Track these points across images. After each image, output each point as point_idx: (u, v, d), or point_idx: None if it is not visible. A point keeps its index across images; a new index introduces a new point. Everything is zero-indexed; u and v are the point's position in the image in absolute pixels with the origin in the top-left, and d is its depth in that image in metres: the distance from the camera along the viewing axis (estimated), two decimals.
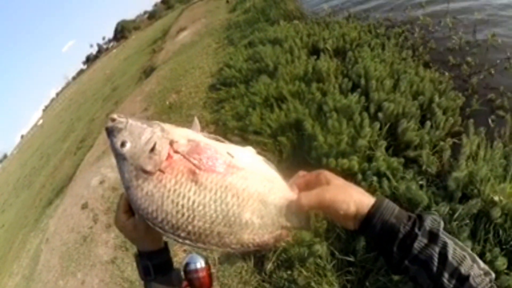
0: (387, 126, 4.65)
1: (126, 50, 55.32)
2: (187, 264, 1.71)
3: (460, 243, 0.85)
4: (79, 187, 10.77)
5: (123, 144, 0.97)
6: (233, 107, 7.73)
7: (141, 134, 0.98)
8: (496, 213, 3.08)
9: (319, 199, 0.93)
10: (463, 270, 0.80)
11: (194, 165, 0.95)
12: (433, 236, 0.84)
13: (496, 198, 3.19)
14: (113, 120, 1.01)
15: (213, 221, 0.93)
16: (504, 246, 3.04)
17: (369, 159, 4.25)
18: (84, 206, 9.01)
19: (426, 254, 0.83)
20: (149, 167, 0.95)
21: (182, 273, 1.66)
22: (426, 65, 6.28)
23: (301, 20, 11.01)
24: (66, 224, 9.13)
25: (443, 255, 0.81)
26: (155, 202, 0.94)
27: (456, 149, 4.07)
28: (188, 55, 16.07)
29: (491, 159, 3.68)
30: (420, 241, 0.84)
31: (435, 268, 0.81)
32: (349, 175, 3.96)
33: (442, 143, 4.29)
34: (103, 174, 9.86)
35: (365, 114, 4.73)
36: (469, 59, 6.16)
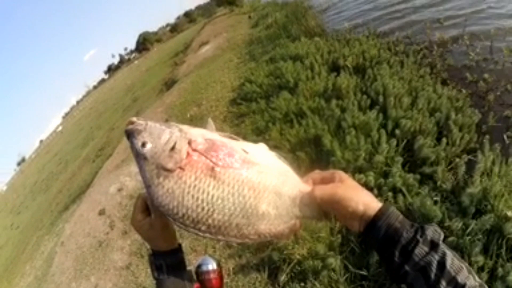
0: (404, 142, 4.68)
1: (147, 62, 55.79)
2: (199, 266, 1.74)
3: (457, 255, 0.88)
4: (97, 193, 10.94)
5: (143, 145, 1.03)
6: (253, 121, 7.80)
7: (161, 134, 1.04)
8: (509, 228, 3.07)
9: (331, 193, 0.99)
10: (460, 279, 0.83)
11: (212, 161, 1.01)
12: (433, 245, 0.88)
13: (509, 214, 3.19)
14: (132, 122, 1.07)
15: (231, 213, 0.99)
16: None
17: (386, 174, 4.28)
18: (101, 212, 9.18)
19: (425, 261, 0.86)
20: (170, 165, 1.00)
21: (194, 274, 1.69)
22: (444, 82, 6.29)
23: (322, 37, 11.04)
24: (82, 229, 9.28)
25: (441, 263, 0.85)
26: (176, 198, 1.00)
27: (471, 165, 4.05)
28: (210, 69, 16.15)
29: (506, 175, 3.67)
30: (421, 248, 0.87)
31: (433, 275, 0.85)
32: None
33: (457, 159, 4.28)
34: (122, 182, 10.00)
35: (382, 131, 4.77)
36: (486, 75, 6.15)
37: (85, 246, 8.34)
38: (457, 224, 3.26)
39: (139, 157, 1.04)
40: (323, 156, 5.05)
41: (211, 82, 13.76)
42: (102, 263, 7.29)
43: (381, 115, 5.27)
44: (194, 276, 1.67)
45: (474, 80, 6.26)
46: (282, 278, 4.11)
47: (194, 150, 1.02)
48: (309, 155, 5.30)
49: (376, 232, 0.94)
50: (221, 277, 1.76)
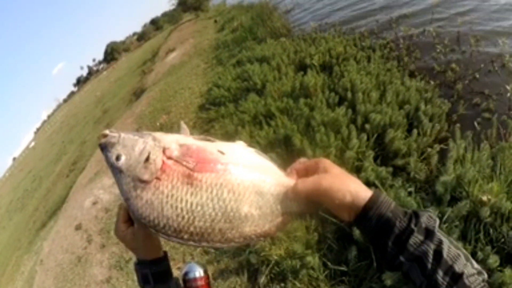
0: (375, 136, 4.71)
1: (116, 72, 55.85)
2: (186, 273, 1.63)
3: (454, 242, 0.85)
4: (72, 208, 10.88)
5: (118, 158, 0.99)
6: (223, 126, 7.75)
7: (134, 145, 1.00)
8: (485, 212, 3.10)
9: (315, 186, 0.93)
10: (457, 268, 0.80)
11: (188, 168, 0.97)
12: (429, 233, 0.84)
13: (484, 198, 3.22)
14: (105, 135, 1.03)
15: (213, 219, 0.95)
16: (495, 244, 3.06)
17: (358, 169, 4.26)
18: (78, 227, 9.11)
19: (421, 250, 0.83)
20: (145, 177, 0.97)
21: (181, 282, 1.60)
22: (412, 75, 6.36)
23: (288, 37, 11.19)
24: (60, 245, 9.18)
25: (438, 252, 0.82)
26: (155, 209, 0.96)
27: (444, 154, 4.11)
28: (178, 76, 16.25)
29: (478, 161, 3.71)
30: (416, 237, 0.84)
31: (429, 265, 0.82)
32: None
33: (429, 149, 4.34)
34: (96, 195, 9.96)
35: (352, 127, 4.78)
36: (453, 65, 6.26)
37: (65, 263, 8.26)
38: (433, 212, 3.21)
39: (115, 171, 1.01)
40: (294, 155, 4.99)
41: (179, 89, 13.83)
42: (82, 279, 7.22)
43: (350, 111, 5.29)
44: (182, 284, 1.57)
45: (442, 70, 6.37)
46: (262, 280, 4.10)
47: (169, 157, 0.99)
48: (280, 155, 5.26)
49: (367, 223, 0.89)
50: (208, 284, 1.66)
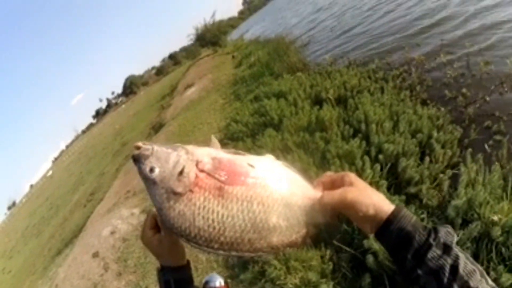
0: (388, 166, 4.75)
1: (135, 106, 56.05)
2: (206, 282, 1.79)
3: (470, 258, 0.88)
4: (90, 236, 10.96)
5: (151, 170, 1.03)
6: None
7: (168, 158, 1.04)
8: (496, 232, 3.12)
9: (341, 198, 0.98)
10: (472, 283, 0.83)
11: (220, 180, 1.02)
12: (446, 248, 0.87)
13: (495, 218, 3.25)
14: (139, 147, 1.07)
15: (242, 230, 0.99)
16: (507, 263, 3.09)
17: None
18: (95, 255, 9.16)
19: (438, 265, 0.86)
20: (179, 189, 1.01)
21: None
22: (424, 103, 6.41)
23: (304, 72, 11.24)
24: (77, 271, 9.24)
25: (454, 267, 0.84)
26: (187, 219, 1.01)
27: (456, 179, 4.13)
28: (196, 111, 16.33)
29: (489, 183, 3.73)
30: (434, 252, 0.87)
31: (445, 279, 0.84)
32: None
33: (441, 175, 4.35)
34: (114, 225, 10.05)
35: (366, 158, 4.83)
36: (464, 90, 6.34)
37: None
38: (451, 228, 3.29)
39: (148, 182, 1.05)
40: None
41: (198, 124, 13.93)
42: None
43: (364, 142, 5.34)
44: None
45: (453, 96, 6.45)
46: None
47: (202, 170, 1.04)
48: None
49: (387, 235, 0.95)
50: None
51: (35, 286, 11.85)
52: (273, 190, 1.03)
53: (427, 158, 4.65)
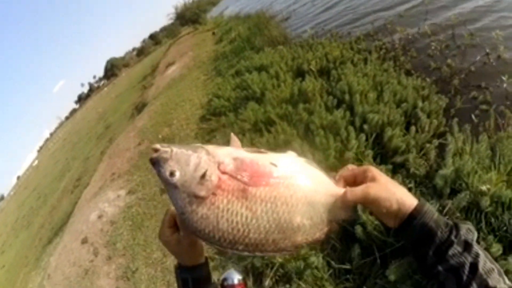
0: (373, 136, 4.73)
1: (117, 88, 55.93)
2: (224, 279, 1.72)
3: (489, 256, 0.89)
4: (78, 223, 10.93)
5: (172, 174, 1.00)
6: (224, 135, 7.84)
7: (188, 161, 1.01)
8: (485, 202, 3.12)
9: (364, 195, 0.97)
10: (490, 282, 0.83)
11: (243, 182, 0.99)
12: (467, 246, 0.88)
13: (484, 188, 3.23)
14: (157, 150, 1.03)
15: (267, 231, 0.97)
16: (497, 233, 3.06)
17: None
18: (84, 241, 9.18)
19: (458, 262, 0.86)
20: (202, 193, 0.98)
21: (219, 287, 1.68)
22: (408, 73, 6.35)
23: (285, 45, 11.19)
24: (67, 259, 9.23)
25: (474, 265, 0.85)
26: (211, 223, 0.98)
27: (443, 149, 4.11)
28: (178, 89, 16.36)
29: (477, 152, 3.73)
30: (455, 249, 0.87)
31: (465, 277, 0.84)
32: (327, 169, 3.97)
33: (428, 145, 4.35)
34: (101, 209, 10.06)
35: (350, 128, 4.81)
36: (449, 61, 6.28)
37: (72, 276, 8.29)
38: (433, 206, 3.20)
39: (169, 186, 1.02)
40: None
41: (180, 101, 13.93)
42: None
43: (348, 113, 5.32)
44: None
45: (437, 67, 6.36)
46: (267, 282, 4.11)
47: (224, 172, 1.00)
48: None
49: (410, 231, 0.94)
50: None
51: (29, 278, 11.76)
52: (297, 190, 1.01)
53: (412, 128, 4.63)
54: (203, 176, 0.98)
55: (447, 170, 3.54)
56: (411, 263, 3.04)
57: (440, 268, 0.88)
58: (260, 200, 0.98)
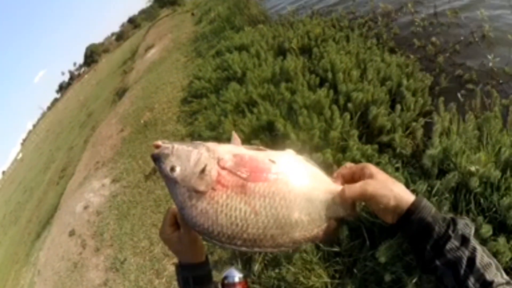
0: (358, 115, 4.70)
1: (97, 74, 55.70)
2: (225, 277, 1.71)
3: (487, 250, 0.89)
4: (64, 215, 10.88)
5: (172, 169, 1.01)
6: (206, 117, 7.81)
7: (189, 156, 1.03)
8: (474, 182, 3.11)
9: (361, 192, 0.97)
10: (488, 276, 0.83)
11: (242, 178, 1.00)
12: (464, 240, 0.88)
13: (472, 169, 3.23)
14: (158, 146, 1.05)
15: (265, 226, 0.98)
16: (487, 214, 3.07)
17: (343, 149, 4.26)
18: (72, 233, 9.14)
19: (456, 256, 0.87)
20: (201, 188, 1.00)
21: (220, 286, 1.66)
22: (392, 51, 6.36)
23: (265, 24, 11.13)
24: (56, 253, 9.20)
25: (471, 259, 0.85)
26: (210, 218, 0.99)
27: (429, 128, 4.13)
28: (158, 72, 16.24)
29: (464, 132, 3.72)
30: (452, 243, 0.88)
31: (462, 271, 0.85)
32: (324, 168, 3.93)
33: (414, 123, 4.34)
34: (87, 199, 10.01)
35: (334, 107, 4.78)
36: (433, 39, 6.26)
37: (61, 270, 8.29)
38: (422, 186, 3.26)
39: (169, 181, 1.04)
40: (279, 140, 5.00)
41: (160, 84, 13.84)
42: (80, 284, 7.26)
43: (331, 91, 5.27)
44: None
45: (422, 45, 6.37)
46: (256, 267, 4.14)
47: (223, 168, 1.02)
48: (264, 141, 5.24)
49: (408, 226, 0.95)
50: None
51: (20, 275, 11.67)
52: (295, 186, 1.02)
53: (398, 106, 4.61)
54: (202, 171, 1.00)
55: (435, 150, 3.51)
56: (400, 244, 3.03)
57: (437, 262, 0.89)
58: (259, 196, 0.99)
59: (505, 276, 0.85)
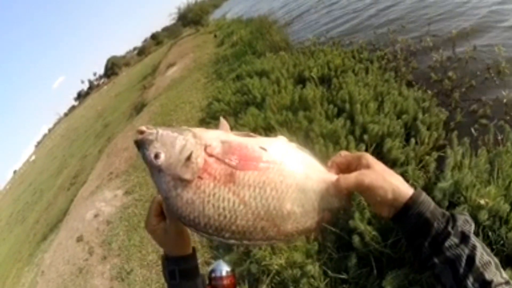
0: (373, 146, 4.73)
1: (117, 87, 55.82)
2: (212, 271, 1.70)
3: (486, 248, 0.86)
4: (73, 220, 10.97)
5: (157, 156, 0.96)
6: None
7: (174, 143, 0.98)
8: (483, 215, 3.09)
9: (358, 183, 0.92)
10: (487, 276, 0.81)
11: (230, 165, 0.95)
12: (464, 237, 0.85)
13: (482, 202, 3.21)
14: (142, 132, 1.00)
15: (255, 217, 0.94)
16: (494, 247, 3.06)
17: None
18: (79, 239, 9.20)
19: (455, 254, 0.84)
20: (187, 176, 0.95)
21: (207, 279, 1.65)
22: (409, 85, 6.36)
23: (287, 51, 11.17)
24: (62, 257, 9.25)
25: (471, 257, 0.83)
26: (196, 208, 0.94)
27: (442, 162, 4.11)
28: (178, 90, 16.33)
29: (476, 166, 3.71)
30: (452, 240, 0.85)
31: (461, 270, 0.83)
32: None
33: (427, 157, 4.36)
34: (98, 208, 10.09)
35: (350, 137, 4.81)
36: (450, 74, 6.31)
37: (66, 274, 8.31)
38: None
39: (153, 169, 0.99)
40: None
41: (180, 103, 13.93)
42: None
43: (348, 122, 5.33)
44: (207, 282, 1.63)
45: (439, 79, 6.41)
46: None
47: (211, 155, 0.97)
48: None
49: (405, 221, 0.91)
50: (234, 283, 1.73)
51: (22, 273, 11.72)
52: (287, 175, 0.97)
53: (412, 140, 4.63)
54: (188, 158, 0.96)
55: (446, 183, 3.51)
56: (407, 274, 3.03)
57: (435, 260, 0.87)
58: (248, 185, 0.95)
59: (504, 275, 0.83)
